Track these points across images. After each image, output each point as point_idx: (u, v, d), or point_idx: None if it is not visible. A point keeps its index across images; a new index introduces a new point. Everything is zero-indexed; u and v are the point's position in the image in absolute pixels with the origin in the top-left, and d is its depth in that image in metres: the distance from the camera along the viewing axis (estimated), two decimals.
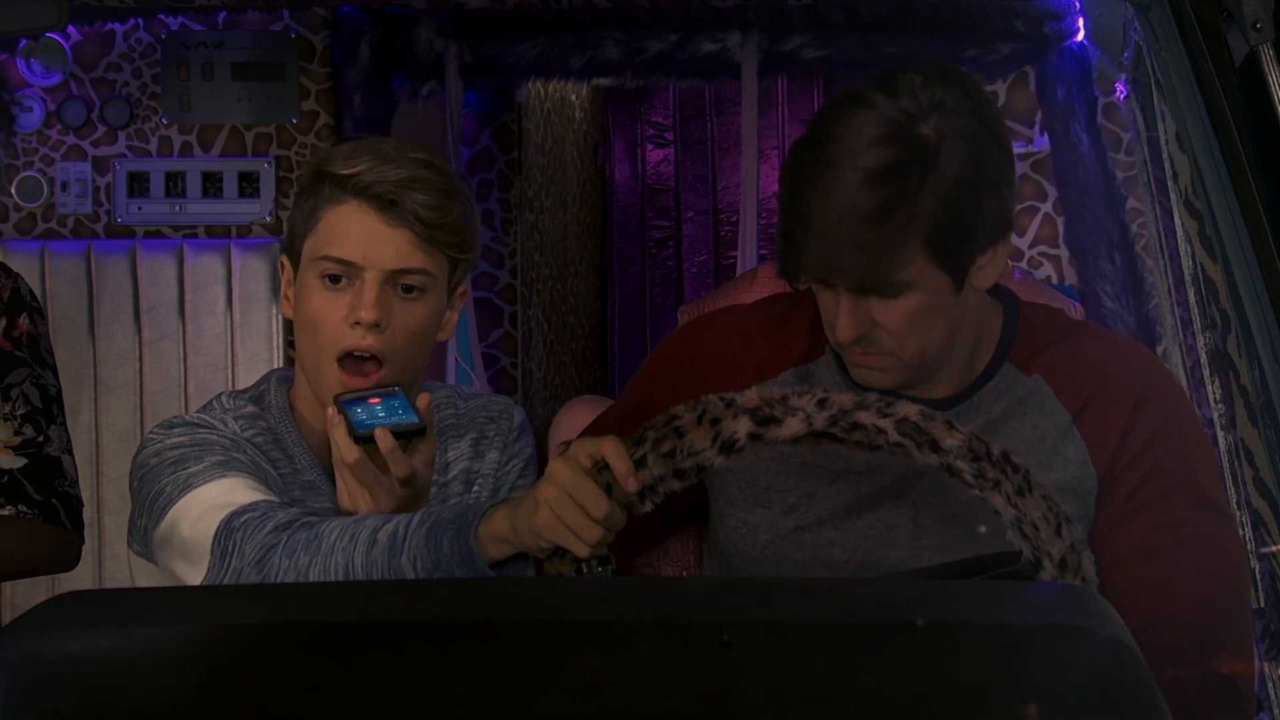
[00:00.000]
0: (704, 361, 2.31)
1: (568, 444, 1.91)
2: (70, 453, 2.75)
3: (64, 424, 2.76)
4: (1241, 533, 2.65)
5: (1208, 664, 2.10)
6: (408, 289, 2.27)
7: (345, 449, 2.20)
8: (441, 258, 2.29)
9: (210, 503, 2.21)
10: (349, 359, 2.27)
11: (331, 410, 2.22)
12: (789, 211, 2.12)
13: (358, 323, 2.25)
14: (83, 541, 2.77)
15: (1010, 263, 2.83)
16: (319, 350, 2.28)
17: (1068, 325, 2.29)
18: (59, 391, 2.77)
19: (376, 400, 2.22)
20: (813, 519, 2.23)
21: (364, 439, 2.19)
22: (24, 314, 2.74)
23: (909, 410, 1.95)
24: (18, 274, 2.78)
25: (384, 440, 2.18)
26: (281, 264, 2.37)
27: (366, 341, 2.25)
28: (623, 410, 2.38)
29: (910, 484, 2.21)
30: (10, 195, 4.02)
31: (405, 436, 2.21)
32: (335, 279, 2.27)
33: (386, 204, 2.25)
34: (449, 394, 2.46)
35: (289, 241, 2.35)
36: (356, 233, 2.26)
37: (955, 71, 2.14)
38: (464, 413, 2.44)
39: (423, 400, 2.24)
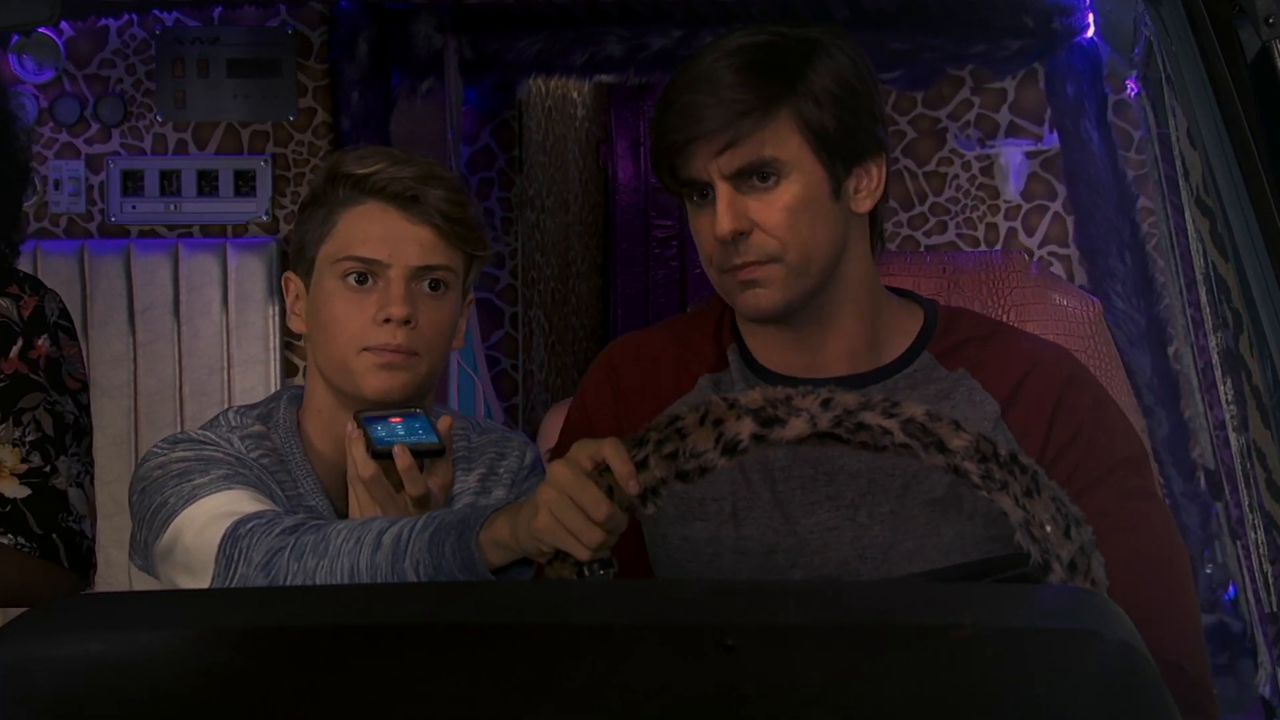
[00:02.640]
0: (625, 387, 2.31)
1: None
2: (81, 486, 2.64)
3: (79, 456, 2.64)
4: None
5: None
6: (434, 285, 2.29)
7: (362, 464, 2.20)
8: (460, 255, 2.31)
9: (215, 512, 2.20)
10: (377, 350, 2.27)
11: (351, 425, 2.23)
12: (657, 120, 2.18)
13: (388, 320, 2.25)
14: (85, 584, 2.65)
15: (1025, 257, 2.83)
16: (344, 349, 2.27)
17: (991, 325, 2.32)
18: (78, 420, 2.65)
19: (398, 419, 2.23)
20: (753, 527, 2.21)
21: (382, 455, 2.19)
22: (44, 335, 2.64)
23: (915, 410, 1.93)
24: (50, 292, 2.69)
25: (401, 458, 2.18)
26: (286, 281, 2.37)
27: (397, 339, 2.25)
28: (565, 447, 2.36)
29: (845, 484, 2.19)
30: None
31: (423, 456, 2.21)
32: (361, 278, 2.27)
33: (407, 200, 2.27)
34: (464, 424, 2.45)
35: (297, 253, 2.34)
36: (379, 231, 2.27)
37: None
38: (476, 446, 2.43)
39: (444, 423, 2.24)
